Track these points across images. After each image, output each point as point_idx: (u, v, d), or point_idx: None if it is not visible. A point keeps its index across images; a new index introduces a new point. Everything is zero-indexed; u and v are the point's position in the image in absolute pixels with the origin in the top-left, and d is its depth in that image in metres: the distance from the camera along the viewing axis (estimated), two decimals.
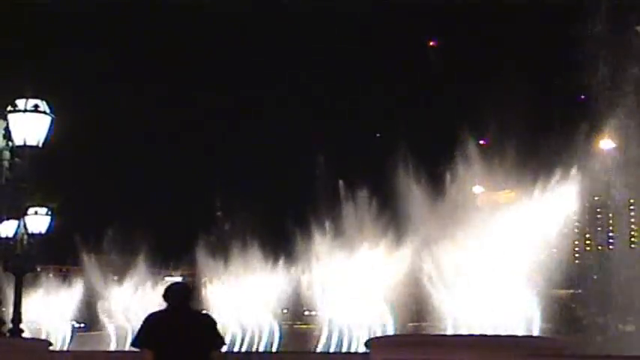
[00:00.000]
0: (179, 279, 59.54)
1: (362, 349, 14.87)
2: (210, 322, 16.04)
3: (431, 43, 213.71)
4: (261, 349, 60.26)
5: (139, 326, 16.68)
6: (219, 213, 61.39)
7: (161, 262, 60.08)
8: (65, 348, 59.35)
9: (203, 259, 56.17)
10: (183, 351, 15.54)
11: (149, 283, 55.15)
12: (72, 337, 72.41)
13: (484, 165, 39.29)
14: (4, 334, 27.57)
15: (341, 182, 49.90)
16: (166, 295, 15.77)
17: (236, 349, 56.35)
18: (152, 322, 15.92)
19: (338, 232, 46.68)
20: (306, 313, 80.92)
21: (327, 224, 48.61)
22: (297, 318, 77.62)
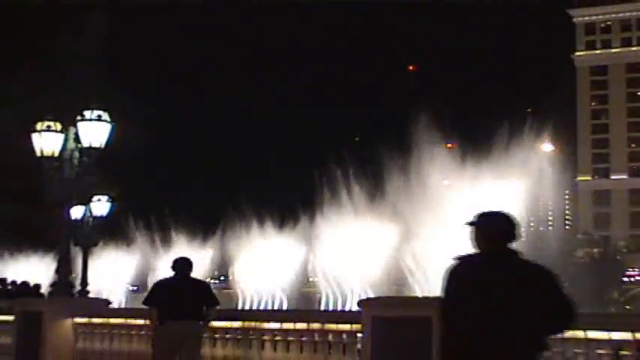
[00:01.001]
0: (210, 251, 59.19)
1: (355, 308, 14.72)
2: (206, 287, 17.70)
3: (410, 68, 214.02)
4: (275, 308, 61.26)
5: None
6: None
7: (196, 238, 59.79)
8: (122, 306, 59.72)
9: (228, 236, 55.89)
10: (181, 308, 16.48)
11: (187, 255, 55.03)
12: (127, 297, 73.60)
13: (452, 163, 39.35)
14: (74, 295, 27.47)
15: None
16: (173, 267, 17.12)
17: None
18: (158, 286, 17.47)
19: (334, 220, 46.35)
20: (310, 279, 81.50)
21: (327, 213, 48.29)
22: (303, 284, 77.90)
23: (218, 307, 17.21)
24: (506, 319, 7.71)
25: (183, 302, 16.47)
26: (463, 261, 8.34)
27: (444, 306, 8.36)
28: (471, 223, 8.28)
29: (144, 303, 17.18)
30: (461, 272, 8.25)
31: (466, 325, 7.83)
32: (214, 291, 17.63)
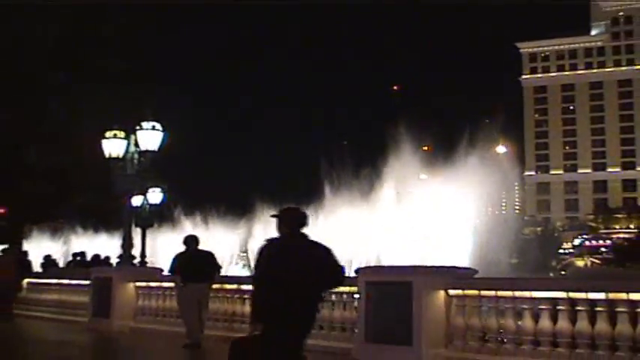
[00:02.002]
0: (239, 232, 58.74)
1: (353, 275, 14.76)
2: (211, 256, 17.80)
3: (395, 87, 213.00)
4: None
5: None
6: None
7: (229, 223, 59.35)
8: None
9: (253, 221, 55.45)
10: (196, 273, 17.11)
11: (222, 235, 54.35)
12: None
13: (427, 162, 39.37)
14: (135, 264, 27.52)
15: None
16: (185, 242, 17.81)
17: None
18: (178, 258, 17.63)
19: (335, 204, 45.95)
20: None
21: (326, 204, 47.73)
22: None
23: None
24: (301, 280, 8.52)
25: (197, 269, 17.11)
26: (272, 241, 9.01)
27: (259, 273, 8.90)
28: (274, 215, 9.11)
29: (169, 271, 17.81)
30: (270, 249, 8.87)
31: (275, 286, 8.51)
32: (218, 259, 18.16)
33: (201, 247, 17.76)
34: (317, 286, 8.85)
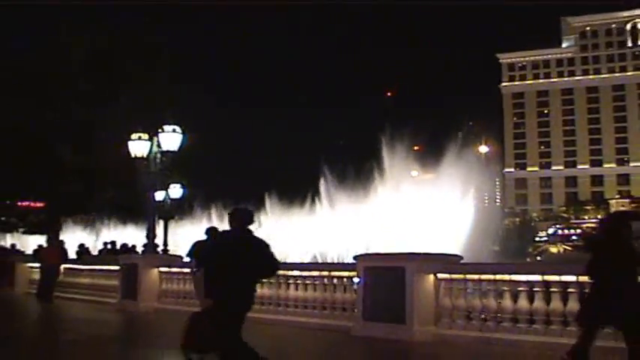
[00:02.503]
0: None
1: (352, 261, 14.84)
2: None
3: (388, 93, 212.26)
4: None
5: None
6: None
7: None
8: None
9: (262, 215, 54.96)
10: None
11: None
12: None
13: (418, 159, 39.34)
14: (158, 252, 27.52)
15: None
16: (206, 232, 17.11)
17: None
18: (196, 245, 17.20)
19: (334, 199, 45.64)
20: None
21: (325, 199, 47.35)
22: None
23: None
24: (246, 266, 9.14)
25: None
26: (224, 234, 10.12)
27: (212, 259, 9.65)
28: (229, 214, 9.67)
29: (187, 255, 18.19)
30: (222, 240, 10.13)
31: (225, 270, 9.11)
32: None
33: None
34: (257, 272, 9.67)
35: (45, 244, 32.53)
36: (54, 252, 27.33)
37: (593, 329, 9.77)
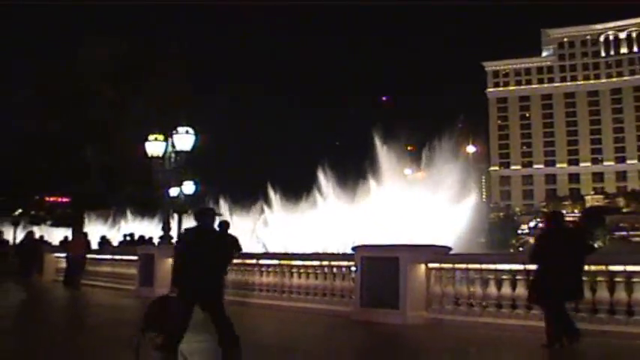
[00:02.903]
0: (258, 218, 57.99)
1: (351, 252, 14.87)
2: (233, 238, 17.84)
3: (384, 98, 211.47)
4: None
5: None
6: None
7: (247, 211, 58.34)
8: None
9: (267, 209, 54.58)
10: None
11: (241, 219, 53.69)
12: None
13: (411, 160, 39.27)
14: (172, 244, 27.49)
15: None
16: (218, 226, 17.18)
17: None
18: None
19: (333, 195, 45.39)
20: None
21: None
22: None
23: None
24: (214, 257, 9.81)
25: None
26: (190, 230, 10.56)
27: (180, 251, 10.14)
28: (195, 213, 10.55)
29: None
30: (189, 236, 10.32)
31: (192, 262, 9.60)
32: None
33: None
34: (221, 264, 10.47)
35: (70, 236, 32.53)
36: (80, 243, 27.45)
37: (552, 307, 10.52)
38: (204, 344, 11.34)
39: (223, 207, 55.86)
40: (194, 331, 10.04)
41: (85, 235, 30.02)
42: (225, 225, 17.76)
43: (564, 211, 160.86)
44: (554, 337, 10.32)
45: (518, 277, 12.51)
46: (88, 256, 27.70)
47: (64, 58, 47.61)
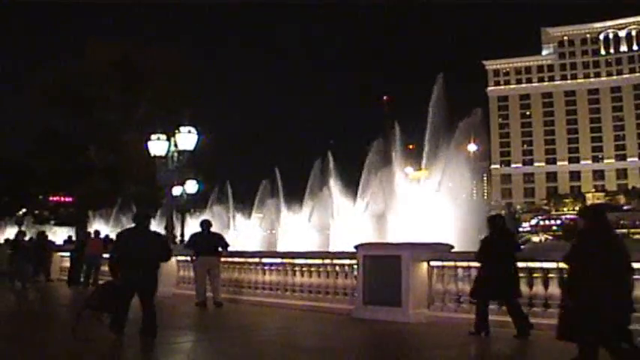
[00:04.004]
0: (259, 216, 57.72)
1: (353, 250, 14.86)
2: (220, 236, 18.55)
3: (385, 97, 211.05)
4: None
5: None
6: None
7: (249, 210, 58.15)
8: None
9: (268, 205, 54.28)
10: (206, 248, 17.80)
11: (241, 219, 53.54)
12: None
13: (412, 159, 39.13)
14: (176, 243, 27.56)
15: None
16: (201, 225, 18.41)
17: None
18: (194, 236, 18.56)
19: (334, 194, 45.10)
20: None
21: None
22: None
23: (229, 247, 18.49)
24: (148, 253, 11.15)
25: (207, 245, 17.80)
26: (126, 230, 12.11)
27: (117, 248, 11.43)
28: (133, 216, 12.26)
29: (185, 247, 19.08)
30: (126, 235, 11.66)
31: (127, 257, 11.04)
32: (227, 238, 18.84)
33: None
34: (154, 259, 11.39)
35: (74, 236, 32.54)
36: (95, 243, 27.60)
37: (483, 303, 11.70)
38: (200, 344, 11.33)
39: (227, 206, 55.68)
40: (193, 331, 10.03)
41: (89, 234, 30.03)
42: (206, 224, 18.33)
43: (565, 209, 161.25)
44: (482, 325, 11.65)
45: (520, 275, 12.47)
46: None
47: (69, 60, 47.73)
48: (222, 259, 18.31)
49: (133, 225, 11.84)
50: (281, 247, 34.12)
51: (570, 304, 7.84)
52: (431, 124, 34.72)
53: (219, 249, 18.01)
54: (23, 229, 30.01)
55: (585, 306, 7.46)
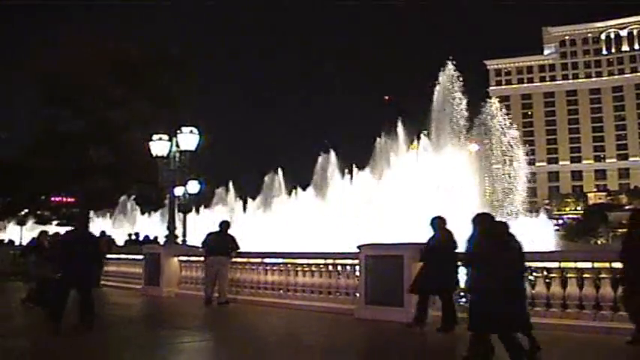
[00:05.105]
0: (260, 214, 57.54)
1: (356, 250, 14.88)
2: (232, 237, 18.46)
3: (385, 97, 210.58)
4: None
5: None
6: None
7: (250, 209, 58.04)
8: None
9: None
10: (216, 249, 18.18)
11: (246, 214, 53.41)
12: None
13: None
14: (178, 243, 27.58)
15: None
16: (220, 225, 18.66)
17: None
18: (208, 236, 18.68)
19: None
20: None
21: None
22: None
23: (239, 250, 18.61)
24: (84, 251, 12.57)
25: (219, 245, 18.17)
26: (67, 234, 13.69)
27: (63, 250, 12.89)
28: (74, 220, 13.46)
29: (201, 244, 19.04)
30: (67, 237, 13.47)
31: (66, 255, 12.63)
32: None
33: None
34: (89, 258, 12.75)
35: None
36: (103, 242, 27.81)
37: (425, 297, 12.68)
38: (204, 343, 11.38)
39: (228, 205, 55.71)
40: (196, 330, 10.10)
41: (102, 233, 30.16)
42: (225, 225, 18.39)
43: (567, 209, 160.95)
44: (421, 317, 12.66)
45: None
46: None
47: (70, 58, 47.70)
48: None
49: (73, 228, 13.86)
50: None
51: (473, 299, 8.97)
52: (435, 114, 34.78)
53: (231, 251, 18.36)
54: (45, 229, 30.16)
55: (485, 301, 8.39)
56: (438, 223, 12.91)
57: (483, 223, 9.63)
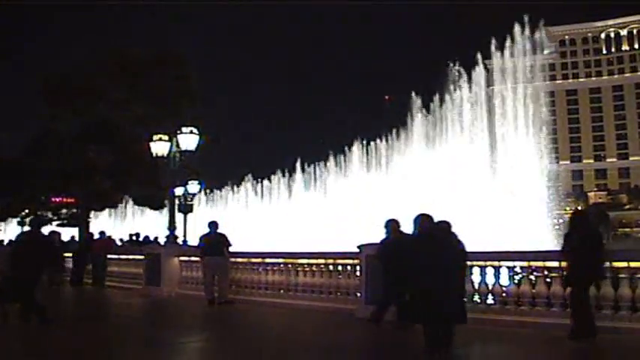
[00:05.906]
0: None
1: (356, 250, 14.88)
2: (224, 236, 18.57)
3: (386, 97, 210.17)
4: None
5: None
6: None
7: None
8: None
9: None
10: (212, 249, 18.31)
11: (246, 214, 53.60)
12: None
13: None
14: (178, 243, 27.62)
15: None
16: (208, 225, 18.78)
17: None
18: (202, 237, 18.70)
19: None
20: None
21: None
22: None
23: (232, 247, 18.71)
24: (29, 257, 13.17)
25: (213, 246, 18.25)
26: (22, 232, 14.55)
27: (15, 252, 13.54)
28: (29, 222, 13.81)
29: (198, 247, 19.06)
30: (22, 238, 14.69)
31: (17, 256, 13.36)
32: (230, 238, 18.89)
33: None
34: (39, 259, 13.41)
35: (77, 236, 32.64)
36: (100, 243, 27.99)
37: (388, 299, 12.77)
38: (204, 343, 11.39)
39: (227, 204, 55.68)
40: (197, 330, 10.12)
41: (91, 235, 30.15)
42: (214, 225, 18.69)
43: (567, 208, 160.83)
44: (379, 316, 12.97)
45: (521, 273, 12.56)
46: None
47: (70, 58, 47.71)
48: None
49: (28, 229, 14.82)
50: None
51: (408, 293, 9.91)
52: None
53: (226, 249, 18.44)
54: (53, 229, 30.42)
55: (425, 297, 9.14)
56: (392, 225, 13.17)
57: (423, 223, 10.10)
